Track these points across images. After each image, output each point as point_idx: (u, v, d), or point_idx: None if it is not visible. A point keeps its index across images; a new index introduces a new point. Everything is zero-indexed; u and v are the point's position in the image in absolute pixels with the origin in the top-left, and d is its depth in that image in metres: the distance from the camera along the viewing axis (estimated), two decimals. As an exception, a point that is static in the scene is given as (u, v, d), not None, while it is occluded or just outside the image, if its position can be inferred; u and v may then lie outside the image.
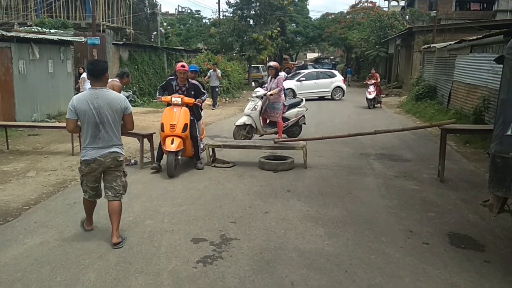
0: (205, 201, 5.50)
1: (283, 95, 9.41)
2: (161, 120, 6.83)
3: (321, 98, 21.27)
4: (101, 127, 4.07)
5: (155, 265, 3.76)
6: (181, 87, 7.16)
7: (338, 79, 21.88)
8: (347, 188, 6.13)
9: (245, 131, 9.11)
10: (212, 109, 16.61)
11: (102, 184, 4.32)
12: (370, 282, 3.49)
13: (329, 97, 21.29)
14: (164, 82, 7.49)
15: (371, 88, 17.15)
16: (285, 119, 9.44)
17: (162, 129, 6.70)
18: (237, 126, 9.18)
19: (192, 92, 7.12)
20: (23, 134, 10.16)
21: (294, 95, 21.05)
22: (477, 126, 8.46)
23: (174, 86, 7.15)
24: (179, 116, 6.71)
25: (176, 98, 6.86)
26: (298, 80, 21.74)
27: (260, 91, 9.39)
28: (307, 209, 5.20)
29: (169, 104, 6.97)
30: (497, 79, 8.47)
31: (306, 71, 24.77)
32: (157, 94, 7.32)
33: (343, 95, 21.49)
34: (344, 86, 21.91)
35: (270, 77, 9.52)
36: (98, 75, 4.15)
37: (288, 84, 21.76)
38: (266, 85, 9.71)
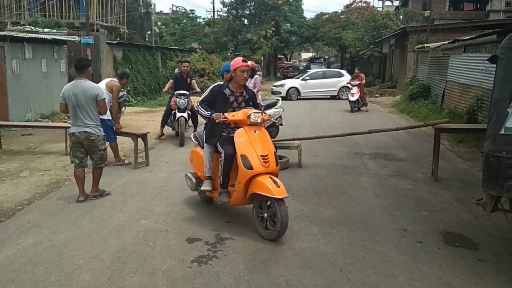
0: (200, 200, 5.49)
1: (259, 96, 9.17)
2: (240, 150, 4.34)
3: (333, 97, 21.20)
4: (77, 109, 5.28)
5: (149, 265, 3.75)
6: (237, 97, 4.77)
7: (346, 79, 21.25)
8: (341, 187, 6.15)
9: None
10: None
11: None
12: (364, 281, 3.50)
13: (337, 96, 21.18)
14: (207, 93, 4.78)
15: (354, 90, 15.87)
16: None
17: (248, 165, 4.25)
18: None
19: (251, 103, 4.89)
20: (16, 134, 10.09)
21: (299, 94, 21.24)
22: (471, 126, 8.51)
23: (228, 95, 4.71)
24: (266, 142, 4.47)
25: (256, 114, 4.45)
26: (303, 79, 21.84)
27: None
28: (302, 209, 5.21)
29: (224, 121, 4.52)
30: (491, 78, 8.53)
31: (311, 70, 24.80)
32: (203, 111, 4.60)
33: None
34: None
35: None
36: (81, 69, 5.35)
37: (292, 83, 22.03)
38: None
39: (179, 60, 15.29)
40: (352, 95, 15.91)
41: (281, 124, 9.79)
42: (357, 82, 15.98)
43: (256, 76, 9.09)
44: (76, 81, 5.32)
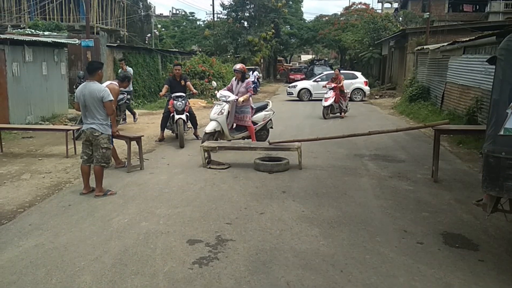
0: (201, 202, 5.51)
1: (251, 98, 8.90)
2: None
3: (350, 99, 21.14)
4: (86, 108, 5.72)
5: (150, 266, 3.76)
6: None
7: (359, 81, 21.25)
8: (342, 188, 6.16)
9: (214, 138, 8.38)
10: (122, 123, 11.54)
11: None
12: (365, 281, 3.51)
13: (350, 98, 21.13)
14: None
15: (329, 93, 14.05)
16: (253, 123, 8.92)
17: None
18: (207, 133, 8.32)
19: None
20: (17, 137, 10.11)
21: (310, 95, 21.36)
22: (470, 127, 8.52)
23: None
24: None
25: None
26: (314, 81, 21.97)
27: (230, 96, 8.52)
28: (302, 210, 5.22)
29: None
30: (490, 80, 8.55)
31: (325, 72, 24.73)
32: None
33: (364, 97, 20.95)
34: (366, 88, 21.17)
35: (236, 80, 8.84)
36: (91, 71, 5.77)
37: (304, 84, 22.26)
38: (226, 88, 9.05)
39: (120, 58, 14.50)
40: (326, 99, 14.14)
41: (271, 127, 9.72)
42: (333, 85, 14.21)
43: (247, 80, 9.01)
44: (86, 82, 5.75)
